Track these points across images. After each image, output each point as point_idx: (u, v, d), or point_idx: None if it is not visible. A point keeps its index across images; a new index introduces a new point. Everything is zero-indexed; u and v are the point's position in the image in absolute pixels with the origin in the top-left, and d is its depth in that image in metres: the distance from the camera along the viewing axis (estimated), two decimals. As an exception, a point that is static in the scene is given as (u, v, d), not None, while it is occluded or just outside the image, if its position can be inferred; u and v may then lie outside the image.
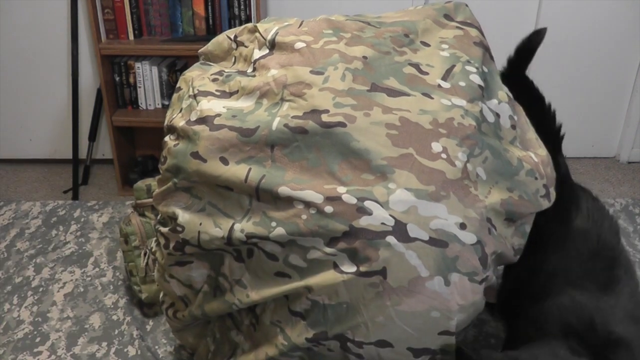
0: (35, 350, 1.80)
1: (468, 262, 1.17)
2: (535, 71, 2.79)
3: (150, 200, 1.81)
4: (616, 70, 2.80)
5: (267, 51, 1.40)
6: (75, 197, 2.69)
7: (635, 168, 2.88)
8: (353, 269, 1.17)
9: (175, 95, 1.48)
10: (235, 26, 2.52)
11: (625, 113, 2.88)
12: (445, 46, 1.40)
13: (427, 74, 1.33)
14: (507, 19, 2.69)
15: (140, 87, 2.61)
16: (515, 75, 1.58)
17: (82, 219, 2.47)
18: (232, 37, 1.53)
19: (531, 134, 1.44)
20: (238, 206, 1.27)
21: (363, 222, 1.16)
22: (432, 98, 1.29)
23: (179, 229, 1.34)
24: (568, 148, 2.96)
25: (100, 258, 2.22)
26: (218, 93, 1.38)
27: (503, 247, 1.28)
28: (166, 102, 2.64)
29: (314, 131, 1.23)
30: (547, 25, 2.72)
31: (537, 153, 1.39)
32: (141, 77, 2.60)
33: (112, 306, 1.98)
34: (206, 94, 1.37)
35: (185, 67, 2.63)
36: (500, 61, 1.60)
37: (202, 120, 1.31)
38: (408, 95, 1.28)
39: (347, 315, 1.19)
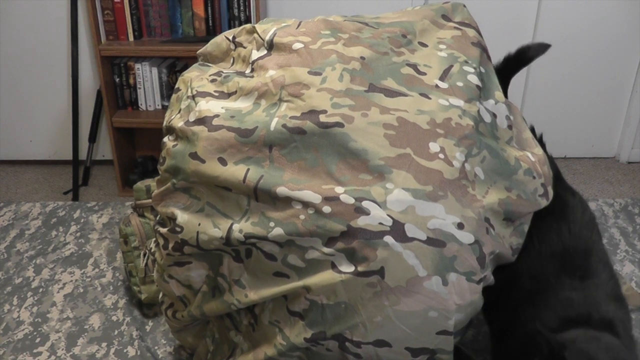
0: (35, 350, 1.80)
1: (466, 261, 1.18)
2: (536, 71, 2.79)
3: (150, 201, 1.82)
4: (616, 70, 2.80)
5: (265, 52, 1.40)
6: (75, 198, 2.69)
7: (635, 168, 2.88)
8: (351, 268, 1.17)
9: (174, 96, 1.48)
10: (235, 27, 2.52)
11: (625, 113, 2.88)
12: (443, 46, 1.41)
13: (424, 74, 1.33)
14: (506, 19, 2.69)
15: (140, 88, 2.62)
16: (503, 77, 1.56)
17: (82, 220, 2.47)
18: (230, 38, 1.53)
19: (527, 133, 1.45)
20: (237, 206, 1.28)
21: (361, 222, 1.16)
22: (429, 98, 1.29)
23: (178, 229, 1.34)
24: (568, 148, 2.97)
25: (100, 259, 2.22)
26: (216, 94, 1.38)
27: (501, 247, 1.28)
28: (166, 103, 2.65)
29: (312, 131, 1.23)
30: (547, 25, 2.72)
31: (534, 152, 1.40)
32: (141, 78, 2.60)
33: (111, 307, 1.98)
34: (205, 94, 1.38)
35: (185, 68, 2.63)
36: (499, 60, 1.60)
37: (201, 120, 1.31)
38: (406, 95, 1.29)
39: (346, 315, 1.19)
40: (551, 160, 1.54)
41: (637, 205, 2.51)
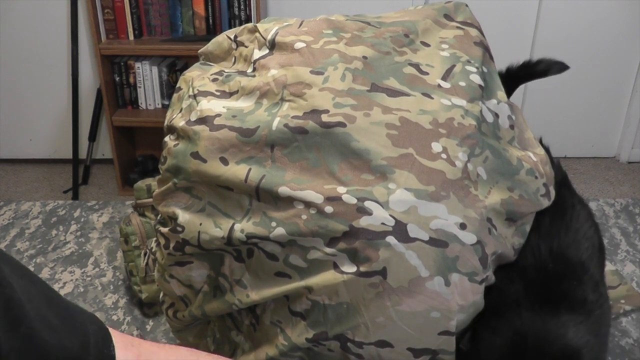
0: (35, 350, 1.80)
1: (468, 262, 1.17)
2: (535, 71, 2.80)
3: (151, 200, 1.81)
4: (616, 70, 2.80)
5: (267, 51, 1.40)
6: (75, 197, 2.69)
7: (635, 168, 2.88)
8: (353, 269, 1.17)
9: (175, 96, 1.48)
10: (235, 26, 2.52)
11: (625, 113, 2.88)
12: (445, 46, 1.40)
13: (427, 74, 1.33)
14: (507, 19, 2.69)
15: (140, 87, 2.62)
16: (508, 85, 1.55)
17: (82, 219, 2.47)
18: (232, 37, 1.53)
19: (529, 133, 1.45)
20: (238, 206, 1.27)
21: (363, 222, 1.16)
22: (432, 98, 1.29)
23: (179, 229, 1.34)
24: (568, 148, 2.97)
25: (100, 258, 2.22)
26: (218, 93, 1.38)
27: (503, 247, 1.28)
28: (166, 102, 2.64)
29: (314, 131, 1.23)
30: (547, 25, 2.72)
31: (536, 152, 1.40)
32: (141, 77, 2.60)
33: (112, 306, 1.98)
34: (206, 94, 1.37)
35: (185, 67, 2.63)
36: (500, 61, 1.60)
37: (202, 120, 1.31)
38: (408, 95, 1.28)
39: (347, 316, 1.19)
40: (559, 168, 1.52)
41: (637, 205, 2.51)
